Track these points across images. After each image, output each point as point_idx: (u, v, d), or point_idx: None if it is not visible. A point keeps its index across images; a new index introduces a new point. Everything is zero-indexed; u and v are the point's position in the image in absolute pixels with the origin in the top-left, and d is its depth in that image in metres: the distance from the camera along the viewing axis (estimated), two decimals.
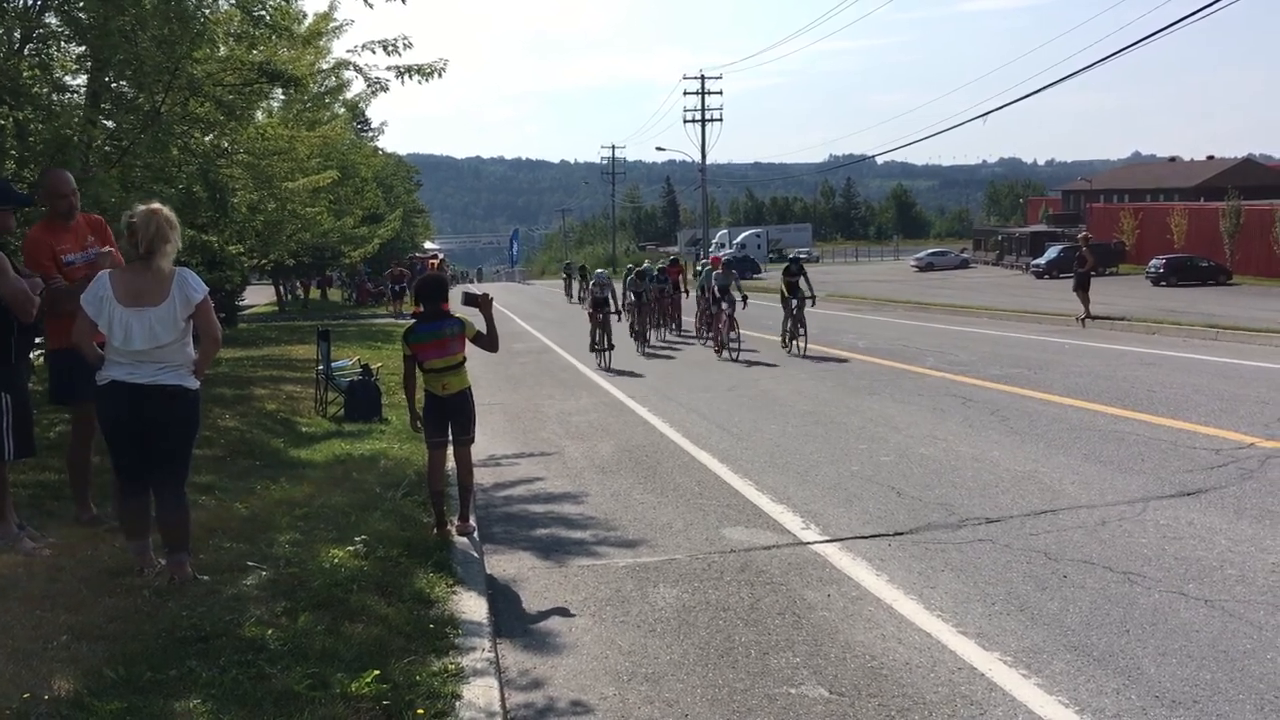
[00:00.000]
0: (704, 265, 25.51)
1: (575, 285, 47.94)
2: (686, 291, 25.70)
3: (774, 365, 18.02)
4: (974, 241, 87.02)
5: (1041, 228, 75.36)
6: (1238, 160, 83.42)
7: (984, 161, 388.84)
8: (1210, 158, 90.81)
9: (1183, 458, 9.32)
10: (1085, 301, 24.40)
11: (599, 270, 21.17)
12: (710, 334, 20.85)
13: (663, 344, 23.41)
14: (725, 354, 19.37)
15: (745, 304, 20.08)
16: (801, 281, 19.93)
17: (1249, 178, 71.75)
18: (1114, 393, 13.16)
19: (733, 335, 19.39)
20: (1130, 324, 23.50)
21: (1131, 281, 46.62)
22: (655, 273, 25.09)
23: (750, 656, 5.26)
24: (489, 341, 7.40)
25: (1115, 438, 10.28)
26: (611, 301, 19.85)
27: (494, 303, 7.62)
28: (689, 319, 25.78)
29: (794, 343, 19.81)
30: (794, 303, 19.74)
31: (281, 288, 51.14)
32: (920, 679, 4.91)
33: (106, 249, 6.60)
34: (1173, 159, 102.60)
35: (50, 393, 6.86)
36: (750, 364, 18.28)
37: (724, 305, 19.61)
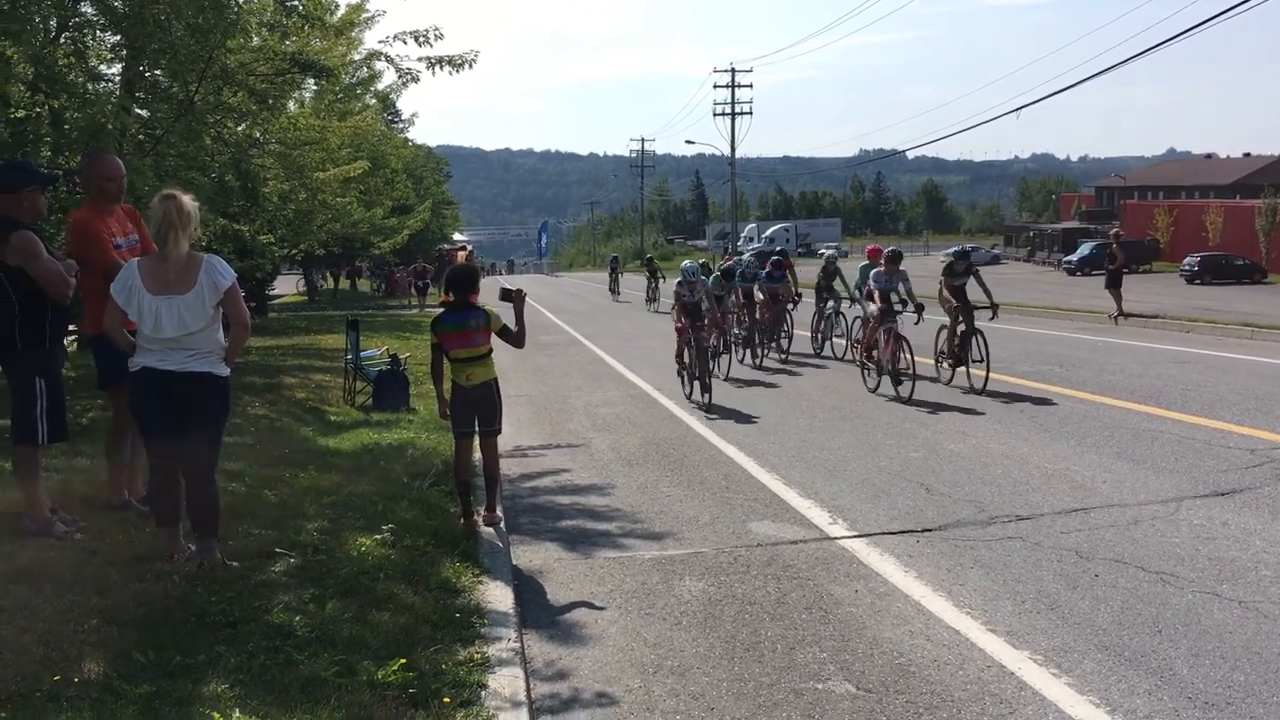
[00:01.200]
0: (829, 252, 20.77)
1: (621, 280, 45.59)
2: (798, 295, 18.43)
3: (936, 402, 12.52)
4: (1005, 238, 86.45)
5: (1074, 224, 74.77)
6: (1275, 157, 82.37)
7: (1016, 157, 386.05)
8: (1247, 155, 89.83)
9: (1217, 457, 9.20)
10: (1118, 299, 24.15)
11: (687, 263, 14.73)
12: (867, 359, 14.22)
13: (756, 367, 17.04)
14: (884, 385, 13.53)
15: (921, 317, 13.74)
16: (972, 284, 14.21)
17: None
18: (1147, 391, 13.01)
19: (901, 362, 13.18)
20: (1164, 322, 23.25)
21: (1165, 279, 46.14)
22: (757, 269, 18.97)
23: (777, 651, 5.23)
24: (515, 338, 7.39)
25: (1148, 436, 10.17)
26: (707, 306, 14.21)
27: (526, 298, 7.63)
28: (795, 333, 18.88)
29: (954, 369, 14.09)
30: (962, 314, 13.97)
31: (312, 277, 51.44)
32: (949, 676, 4.87)
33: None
34: (1209, 156, 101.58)
35: (99, 376, 6.89)
36: (933, 407, 12.25)
37: (888, 318, 13.41)
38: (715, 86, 72.47)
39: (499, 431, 7.43)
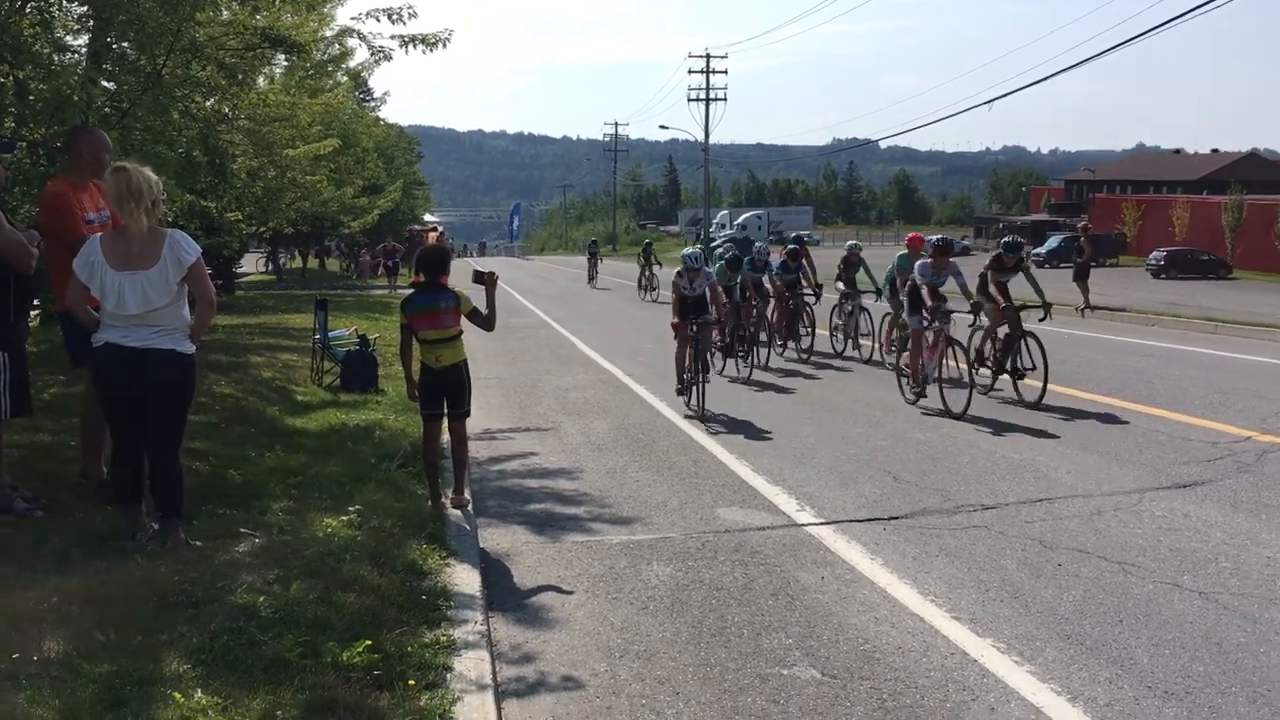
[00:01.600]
0: (852, 241, 18.73)
1: (601, 266, 42.44)
2: (817, 288, 16.52)
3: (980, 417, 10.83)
4: (975, 229, 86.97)
5: (1043, 217, 75.32)
6: (1242, 154, 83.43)
7: (987, 149, 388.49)
8: (1215, 151, 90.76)
9: (1179, 450, 9.31)
10: (1085, 291, 24.37)
11: (689, 250, 12.98)
12: (903, 365, 12.41)
13: (763, 368, 15.00)
14: (926, 397, 11.69)
15: (978, 318, 12.24)
16: (1020, 279, 12.52)
17: (1253, 172, 71.71)
18: (1112, 383, 13.14)
19: (951, 371, 11.91)
20: (1130, 315, 23.48)
21: (1132, 273, 46.55)
22: (767, 257, 16.65)
23: (743, 636, 5.25)
24: (485, 320, 7.35)
25: (1112, 428, 10.27)
26: (714, 303, 12.34)
27: (498, 281, 7.59)
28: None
29: (996, 376, 12.50)
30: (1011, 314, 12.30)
31: (276, 255, 50.78)
32: (912, 663, 4.90)
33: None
34: (1177, 151, 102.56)
35: (69, 354, 6.79)
36: (1000, 427, 10.32)
37: (939, 317, 11.48)
38: (690, 72, 72.52)
39: (468, 414, 7.40)
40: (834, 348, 16.49)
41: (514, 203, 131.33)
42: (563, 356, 17.24)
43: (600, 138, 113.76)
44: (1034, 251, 57.74)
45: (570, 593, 5.93)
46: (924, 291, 11.64)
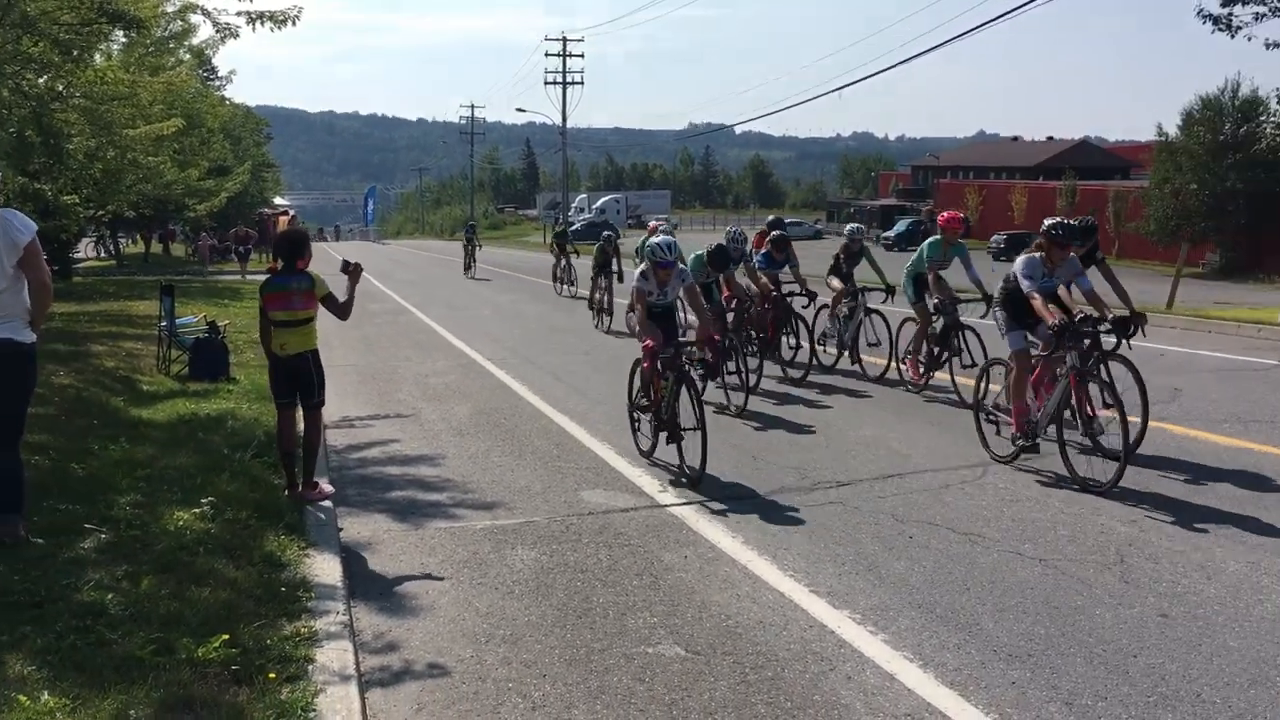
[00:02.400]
0: (853, 226, 14.53)
1: (479, 254, 35.12)
2: (807, 290, 12.75)
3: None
4: (828, 213, 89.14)
5: (892, 201, 77.61)
6: (1075, 141, 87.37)
7: (839, 135, 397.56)
8: (1049, 138, 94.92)
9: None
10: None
11: (660, 239, 8.85)
12: (994, 408, 8.79)
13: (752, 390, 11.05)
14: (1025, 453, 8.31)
15: (1132, 334, 7.98)
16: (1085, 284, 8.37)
17: (1085, 159, 75.36)
18: (957, 363, 13.62)
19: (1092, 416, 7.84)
20: (972, 294, 24.37)
21: (974, 255, 48.27)
22: (744, 247, 12.82)
23: (608, 617, 5.30)
24: (341, 308, 7.23)
25: (958, 407, 10.66)
26: (696, 313, 9.27)
27: (362, 272, 7.49)
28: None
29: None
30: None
31: (107, 240, 48.54)
32: (773, 637, 5.03)
33: None
34: (1015, 139, 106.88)
35: None
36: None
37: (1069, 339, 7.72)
38: (547, 55, 72.10)
39: (320, 404, 7.27)
40: (816, 359, 12.63)
41: (368, 186, 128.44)
42: (421, 342, 17.01)
43: (457, 120, 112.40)
44: (884, 235, 59.60)
45: (434, 579, 5.89)
46: (1037, 302, 7.92)
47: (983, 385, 8.90)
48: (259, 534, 6.00)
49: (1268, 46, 19.30)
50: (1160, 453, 8.45)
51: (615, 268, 19.13)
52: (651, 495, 7.55)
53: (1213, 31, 20.63)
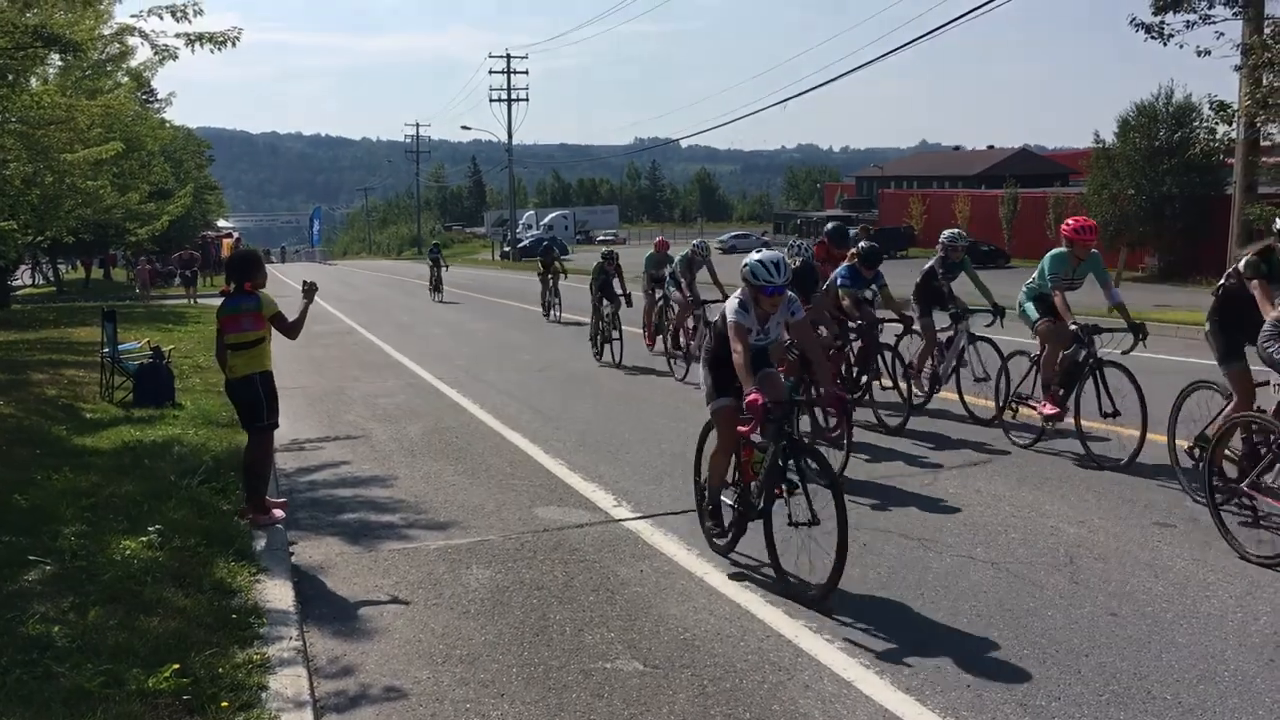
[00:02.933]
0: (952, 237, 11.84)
1: (445, 276, 32.21)
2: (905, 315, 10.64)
3: None
4: (774, 225, 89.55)
5: (837, 212, 78.20)
6: (1015, 150, 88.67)
7: (783, 147, 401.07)
8: (990, 147, 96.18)
9: (968, 430, 9.85)
10: None
11: (764, 256, 6.19)
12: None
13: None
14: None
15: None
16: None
17: (1025, 166, 76.51)
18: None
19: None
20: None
21: (920, 264, 48.89)
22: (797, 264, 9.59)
23: (565, 634, 5.28)
24: (289, 327, 7.19)
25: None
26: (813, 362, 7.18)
27: (315, 292, 7.50)
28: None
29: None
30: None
31: (41, 267, 47.71)
32: (731, 648, 5.04)
33: None
34: (956, 148, 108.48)
35: None
36: None
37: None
38: (491, 72, 71.99)
39: (269, 427, 7.20)
40: (901, 394, 10.18)
41: (313, 206, 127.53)
42: (370, 362, 16.85)
43: (402, 139, 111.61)
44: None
45: (389, 602, 5.83)
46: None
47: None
48: (208, 561, 5.91)
49: (1199, 54, 19.74)
50: (1106, 453, 8.57)
51: (620, 290, 15.95)
52: (606, 510, 7.53)
53: (1145, 39, 21.06)
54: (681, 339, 14.49)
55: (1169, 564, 6.05)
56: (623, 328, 15.54)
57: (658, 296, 15.76)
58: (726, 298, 7.10)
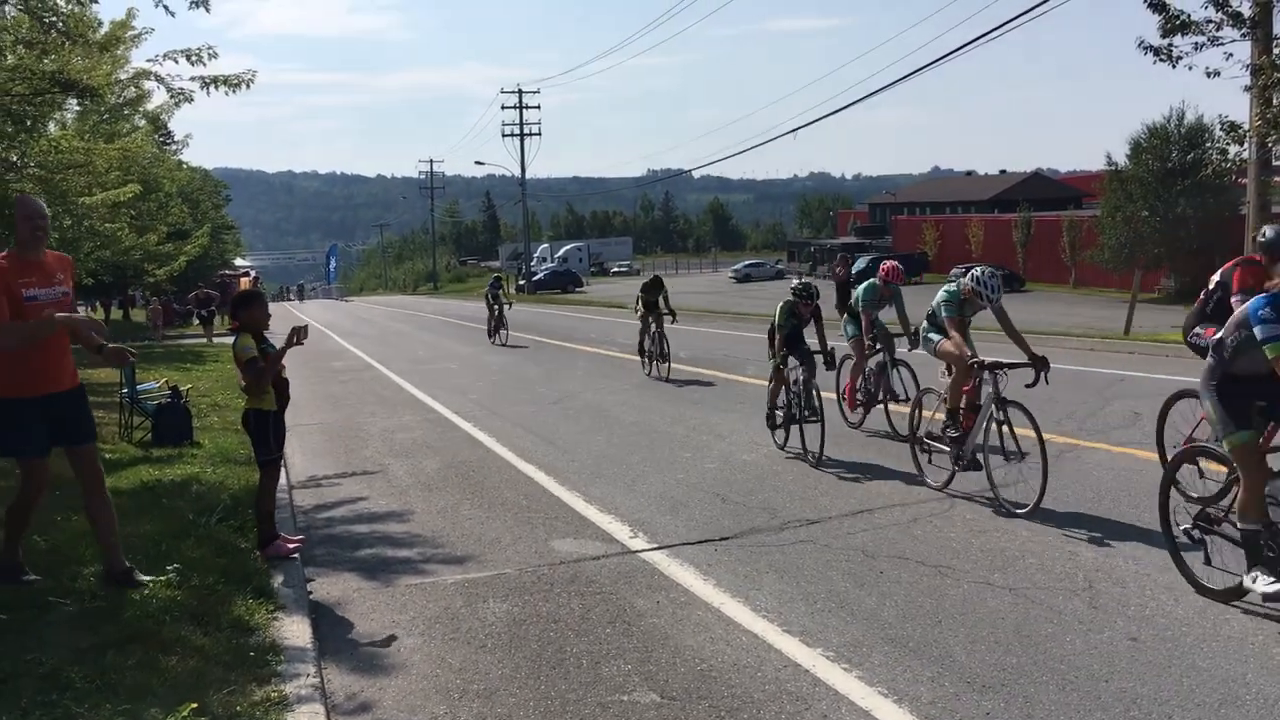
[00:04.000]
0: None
1: (507, 312, 27.26)
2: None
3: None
4: (788, 253, 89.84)
5: (851, 239, 78.33)
6: (1027, 174, 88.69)
7: (796, 176, 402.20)
8: (1003, 172, 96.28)
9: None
10: None
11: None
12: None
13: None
14: None
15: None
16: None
17: (1038, 191, 76.53)
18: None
19: None
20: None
21: (934, 290, 48.84)
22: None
23: (582, 666, 5.27)
24: (245, 374, 7.02)
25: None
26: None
27: (306, 330, 7.33)
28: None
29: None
30: None
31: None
32: (748, 679, 5.03)
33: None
34: (969, 173, 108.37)
35: None
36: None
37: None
38: (504, 108, 72.72)
39: (267, 464, 7.16)
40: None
41: (329, 244, 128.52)
42: (386, 398, 16.89)
43: (416, 175, 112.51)
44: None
45: (406, 637, 5.84)
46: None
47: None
48: (227, 599, 5.94)
49: (1208, 75, 19.69)
50: (1124, 478, 8.54)
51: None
52: (622, 542, 7.54)
53: (1154, 63, 21.07)
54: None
55: (1188, 587, 6.00)
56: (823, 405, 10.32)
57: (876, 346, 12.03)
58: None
